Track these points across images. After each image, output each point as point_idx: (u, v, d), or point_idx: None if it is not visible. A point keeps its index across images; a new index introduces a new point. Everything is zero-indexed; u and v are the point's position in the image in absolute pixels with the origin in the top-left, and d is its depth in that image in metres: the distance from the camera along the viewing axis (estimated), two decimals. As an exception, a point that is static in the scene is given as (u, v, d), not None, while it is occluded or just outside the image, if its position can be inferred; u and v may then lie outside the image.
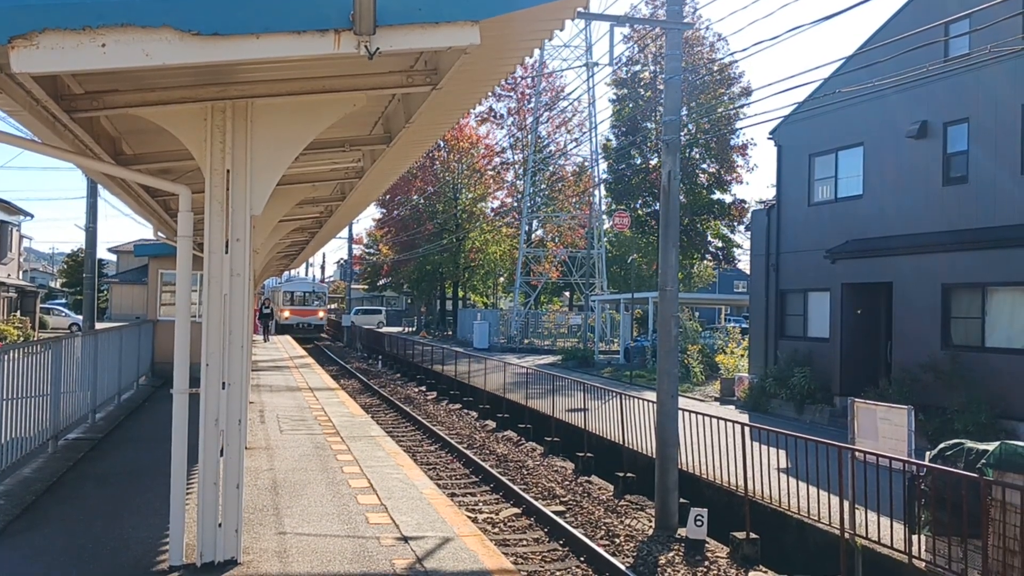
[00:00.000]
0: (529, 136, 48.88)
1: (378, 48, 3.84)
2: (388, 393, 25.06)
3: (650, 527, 10.78)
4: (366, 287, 73.77)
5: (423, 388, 27.43)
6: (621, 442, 13.44)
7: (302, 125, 5.63)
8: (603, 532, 10.61)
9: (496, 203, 57.23)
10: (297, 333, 46.16)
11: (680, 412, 11.25)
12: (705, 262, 52.05)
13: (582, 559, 9.42)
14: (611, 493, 12.62)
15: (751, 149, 47.19)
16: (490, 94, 11.29)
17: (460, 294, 59.57)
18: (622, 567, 8.91)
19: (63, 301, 60.58)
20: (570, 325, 45.23)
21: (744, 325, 30.45)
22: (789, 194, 20.51)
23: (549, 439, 16.21)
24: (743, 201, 46.50)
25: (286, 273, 45.39)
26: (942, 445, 8.03)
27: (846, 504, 8.36)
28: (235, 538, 5.69)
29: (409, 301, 75.73)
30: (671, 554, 9.70)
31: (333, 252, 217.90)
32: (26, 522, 6.75)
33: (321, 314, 52.39)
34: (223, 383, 5.54)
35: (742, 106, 39.72)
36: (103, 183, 10.07)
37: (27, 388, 8.28)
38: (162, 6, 3.65)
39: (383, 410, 21.71)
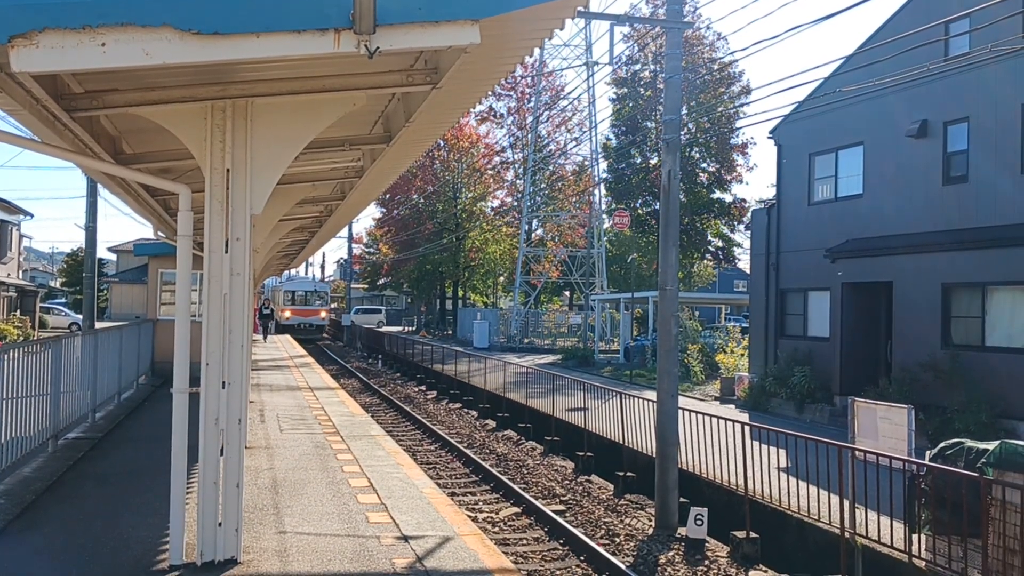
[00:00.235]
0: (529, 135, 48.86)
1: (378, 47, 3.84)
2: (388, 392, 25.05)
3: (650, 526, 10.78)
4: (366, 286, 73.74)
5: (423, 387, 27.42)
6: (621, 441, 13.44)
7: (302, 124, 5.63)
8: (603, 531, 10.61)
9: (496, 202, 57.31)
10: (298, 334, 45.59)
11: (680, 411, 11.25)
12: (705, 261, 52.11)
13: (582, 558, 9.41)
14: (611, 492, 12.61)
15: (751, 148, 47.15)
16: (490, 93, 11.28)
17: (460, 293, 59.57)
18: (622, 566, 8.91)
19: (63, 300, 60.65)
20: (570, 324, 45.24)
21: (744, 324, 30.48)
22: (789, 193, 20.51)
23: (549, 438, 16.21)
24: (743, 200, 46.55)
25: (287, 272, 45.23)
26: (942, 444, 8.04)
27: (846, 503, 8.36)
28: (235, 537, 5.69)
29: (409, 300, 75.74)
30: (671, 553, 9.70)
31: (333, 251, 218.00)
32: (26, 521, 6.75)
33: (323, 314, 51.85)
34: (223, 382, 5.54)
35: (742, 105, 39.70)
36: (103, 182, 10.06)
37: (27, 387, 8.29)
38: (162, 5, 3.65)
39: (383, 409, 21.70)
